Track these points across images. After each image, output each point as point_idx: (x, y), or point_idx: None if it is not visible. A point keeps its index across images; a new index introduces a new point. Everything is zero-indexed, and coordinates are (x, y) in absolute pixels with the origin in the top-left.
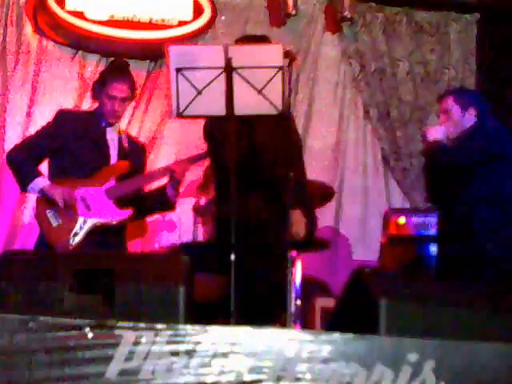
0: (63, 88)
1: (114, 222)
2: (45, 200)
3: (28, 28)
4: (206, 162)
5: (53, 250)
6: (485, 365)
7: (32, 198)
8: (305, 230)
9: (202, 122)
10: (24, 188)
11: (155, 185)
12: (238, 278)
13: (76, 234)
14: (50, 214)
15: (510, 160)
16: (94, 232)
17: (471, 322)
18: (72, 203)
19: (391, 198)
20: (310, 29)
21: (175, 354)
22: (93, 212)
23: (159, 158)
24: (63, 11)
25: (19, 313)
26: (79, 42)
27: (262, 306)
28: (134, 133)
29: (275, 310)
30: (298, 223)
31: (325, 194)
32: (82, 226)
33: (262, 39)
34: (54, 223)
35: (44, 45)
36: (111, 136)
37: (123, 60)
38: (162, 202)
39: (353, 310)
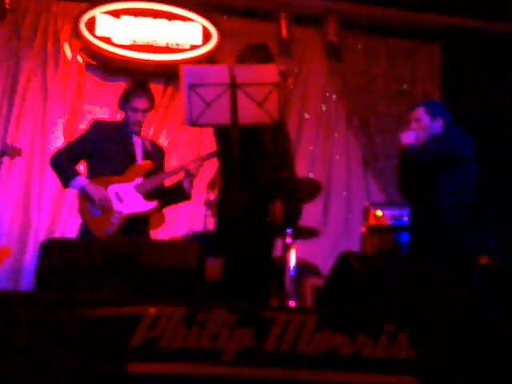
0: (95, 100)
1: (144, 213)
2: (85, 196)
3: (66, 50)
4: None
5: (91, 238)
6: None
7: (69, 195)
8: (283, 219)
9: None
10: (66, 185)
11: (173, 180)
12: (237, 261)
13: (113, 224)
14: (90, 207)
15: (471, 161)
16: (126, 221)
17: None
18: (106, 200)
19: (370, 194)
20: (302, 51)
21: (189, 323)
22: (125, 205)
23: (176, 159)
24: (93, 37)
25: (60, 292)
26: (107, 62)
27: (257, 285)
28: (154, 138)
29: (271, 288)
30: (276, 213)
31: (314, 187)
32: (118, 217)
33: (263, 47)
34: (94, 215)
35: (78, 64)
36: (136, 141)
37: (142, 77)
38: (180, 194)
39: (338, 287)
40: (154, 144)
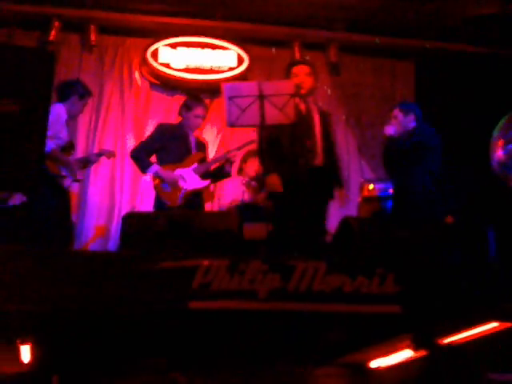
0: (159, 110)
1: (201, 188)
2: (159, 178)
3: (136, 74)
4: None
5: (161, 211)
6: None
7: (143, 181)
8: (280, 187)
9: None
10: (144, 171)
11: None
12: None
13: (181, 197)
14: (163, 185)
15: (437, 150)
16: (190, 195)
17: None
18: (175, 179)
19: (364, 173)
20: None
21: (232, 271)
22: (188, 183)
23: (218, 150)
24: (157, 63)
25: (139, 250)
26: (167, 82)
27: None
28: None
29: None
30: (273, 183)
31: None
32: (184, 192)
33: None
34: (167, 191)
35: (146, 85)
36: (191, 138)
37: (196, 92)
38: (223, 173)
39: (342, 241)
40: (201, 140)
